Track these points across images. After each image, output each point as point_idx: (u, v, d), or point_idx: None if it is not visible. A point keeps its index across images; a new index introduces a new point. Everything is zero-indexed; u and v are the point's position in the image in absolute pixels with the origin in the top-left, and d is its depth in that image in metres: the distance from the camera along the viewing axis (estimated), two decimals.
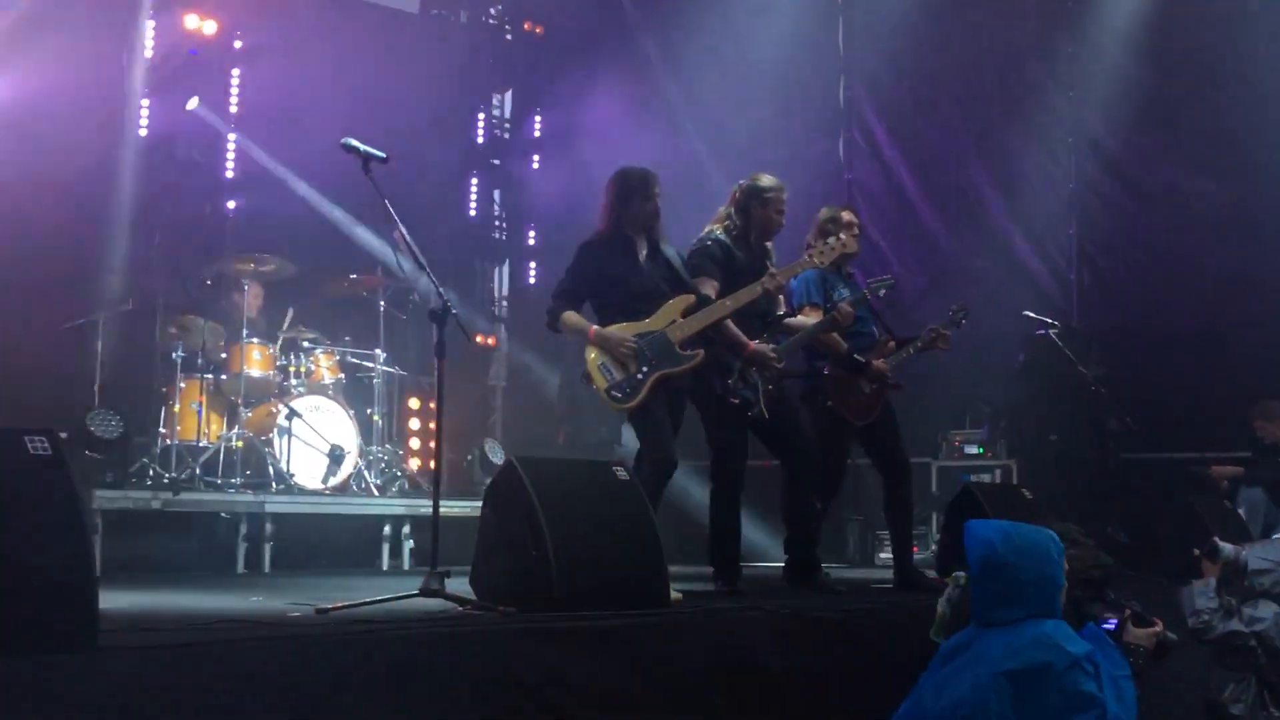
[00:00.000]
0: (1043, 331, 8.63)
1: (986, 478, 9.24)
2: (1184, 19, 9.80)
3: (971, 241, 10.53)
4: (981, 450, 9.75)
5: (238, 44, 10.43)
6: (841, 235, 6.29)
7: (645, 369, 5.72)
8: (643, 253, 5.97)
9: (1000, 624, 3.67)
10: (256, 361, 8.71)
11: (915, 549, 7.38)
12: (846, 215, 6.79)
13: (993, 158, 10.56)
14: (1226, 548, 5.65)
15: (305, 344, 9.01)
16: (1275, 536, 6.72)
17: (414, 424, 10.60)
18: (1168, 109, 9.90)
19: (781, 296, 6.36)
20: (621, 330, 5.78)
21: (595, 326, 5.83)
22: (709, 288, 6.00)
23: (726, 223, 6.27)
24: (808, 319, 6.43)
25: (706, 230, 6.29)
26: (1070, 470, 9.28)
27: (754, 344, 5.99)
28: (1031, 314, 8.84)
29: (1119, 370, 9.31)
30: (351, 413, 8.80)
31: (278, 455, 8.33)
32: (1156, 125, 9.93)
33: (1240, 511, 8.29)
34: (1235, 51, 9.56)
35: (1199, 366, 9.40)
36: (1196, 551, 5.71)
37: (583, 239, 6.07)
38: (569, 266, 6.02)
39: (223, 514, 8.03)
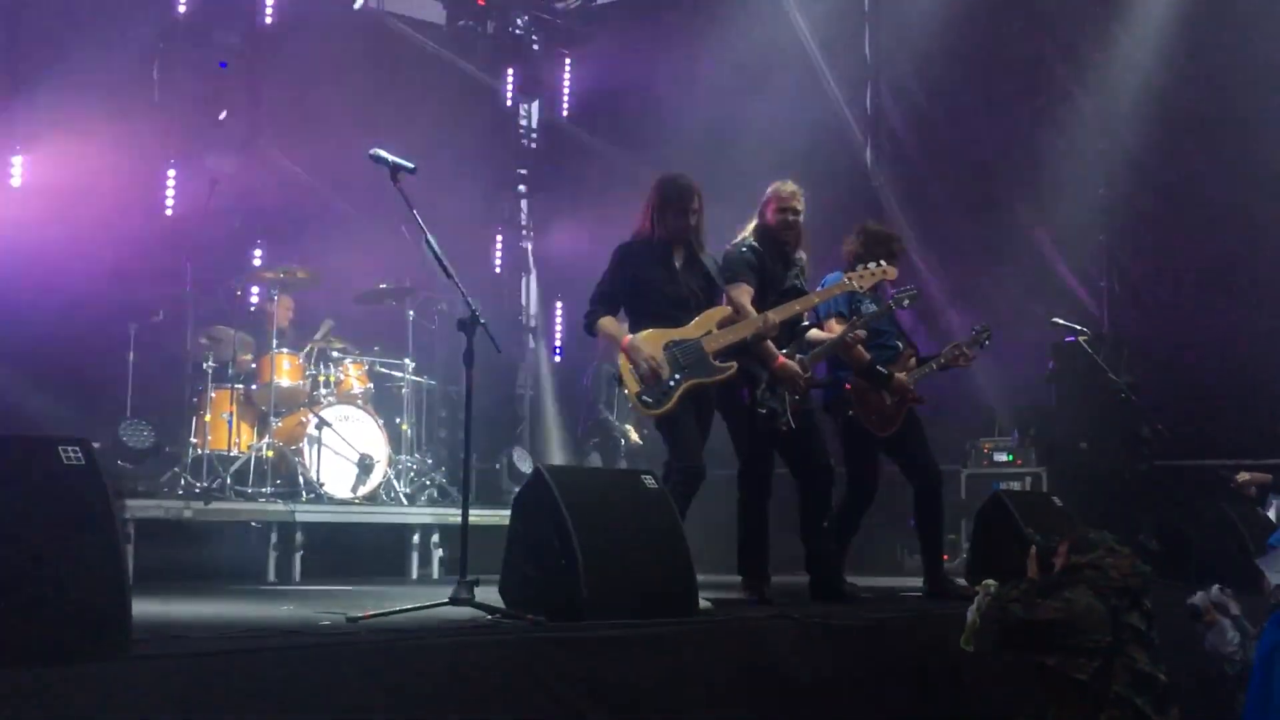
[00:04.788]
0: (1073, 338, 8.57)
1: (1016, 485, 9.18)
2: (1217, 26, 9.73)
3: (1000, 248, 10.47)
4: (1011, 458, 9.70)
5: (266, 58, 10.50)
6: (883, 262, 6.29)
7: (677, 376, 5.69)
8: (679, 260, 5.95)
9: None
10: (286, 371, 8.75)
11: (945, 557, 7.35)
12: (897, 247, 6.75)
13: (1021, 164, 10.50)
14: (1197, 599, 5.73)
15: (334, 354, 9.05)
16: None
17: (442, 433, 10.62)
18: (1199, 116, 9.82)
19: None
20: (654, 336, 5.76)
21: (630, 336, 5.79)
22: (744, 294, 6.02)
23: (756, 229, 6.31)
24: (831, 332, 6.44)
25: (740, 237, 6.31)
26: (1101, 477, 9.21)
27: (783, 358, 5.99)
28: (1061, 321, 8.78)
29: (1149, 377, 9.25)
30: (380, 422, 8.83)
31: (307, 464, 8.37)
32: (1187, 132, 9.85)
33: (1271, 516, 8.21)
34: (1270, 60, 9.48)
35: (1230, 373, 9.34)
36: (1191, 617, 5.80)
37: (621, 240, 6.04)
38: (607, 268, 5.97)
39: (253, 523, 8.08)
